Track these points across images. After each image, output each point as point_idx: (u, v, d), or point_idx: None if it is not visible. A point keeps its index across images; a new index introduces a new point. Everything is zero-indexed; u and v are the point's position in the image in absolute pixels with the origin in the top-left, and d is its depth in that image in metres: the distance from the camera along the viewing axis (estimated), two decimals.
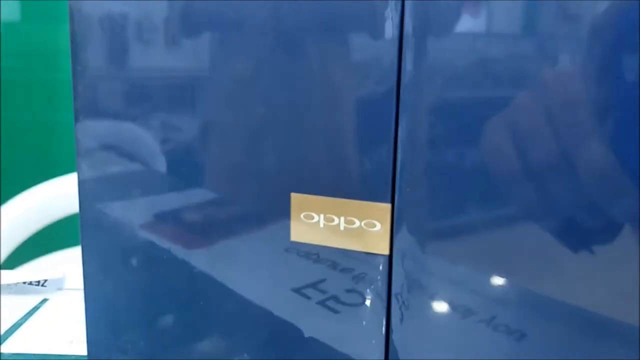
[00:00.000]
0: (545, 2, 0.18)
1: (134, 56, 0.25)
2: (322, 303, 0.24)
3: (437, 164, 0.20)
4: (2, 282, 0.53)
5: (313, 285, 0.24)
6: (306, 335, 0.24)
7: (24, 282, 0.53)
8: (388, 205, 0.21)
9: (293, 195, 0.23)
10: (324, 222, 0.22)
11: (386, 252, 0.22)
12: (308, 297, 0.24)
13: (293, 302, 0.24)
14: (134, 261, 0.27)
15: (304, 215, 0.22)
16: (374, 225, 0.22)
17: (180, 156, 0.25)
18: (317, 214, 0.22)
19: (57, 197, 0.95)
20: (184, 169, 0.25)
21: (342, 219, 0.22)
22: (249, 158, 0.23)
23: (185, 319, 0.26)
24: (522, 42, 0.19)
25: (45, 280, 0.52)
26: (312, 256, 0.23)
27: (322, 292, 0.23)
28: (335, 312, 0.23)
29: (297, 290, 0.24)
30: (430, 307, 0.22)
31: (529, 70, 0.19)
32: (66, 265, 0.68)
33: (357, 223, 0.22)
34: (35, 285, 0.52)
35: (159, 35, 0.24)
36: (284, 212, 0.23)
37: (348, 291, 0.23)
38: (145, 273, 0.26)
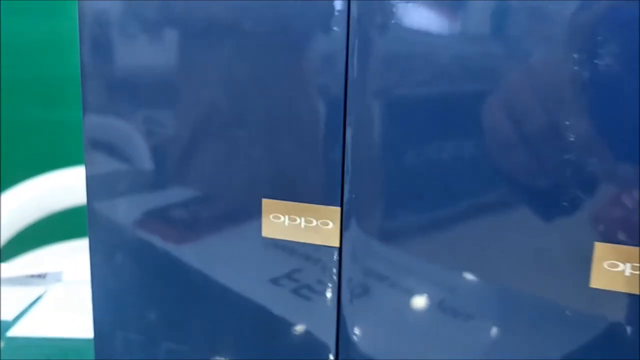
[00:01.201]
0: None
1: (137, 54, 0.30)
2: (294, 291, 0.29)
3: (375, 175, 0.26)
4: (6, 276, 0.57)
5: (287, 276, 0.29)
6: (277, 315, 0.30)
7: (26, 275, 0.58)
8: (338, 208, 0.27)
9: (264, 200, 0.28)
10: (288, 222, 0.28)
11: (337, 244, 0.27)
12: (282, 285, 0.30)
13: (270, 290, 0.30)
14: (132, 252, 0.32)
15: (272, 216, 0.28)
16: (328, 224, 0.27)
17: (171, 157, 0.30)
18: (283, 215, 0.28)
19: (49, 191, 0.99)
20: (174, 170, 0.30)
21: (303, 219, 0.28)
22: (227, 166, 0.29)
23: (178, 304, 0.32)
24: (471, 40, 0.24)
25: (46, 274, 0.57)
26: (287, 250, 0.29)
27: (295, 281, 0.29)
28: (303, 297, 0.29)
29: (274, 281, 0.30)
30: (377, 290, 0.27)
31: (477, 67, 0.24)
32: (61, 259, 0.73)
33: (315, 222, 0.28)
34: (37, 277, 0.57)
35: (155, 34, 0.29)
36: (257, 213, 0.29)
37: (313, 279, 0.29)
38: (141, 263, 0.32)
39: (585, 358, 0.24)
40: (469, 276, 0.26)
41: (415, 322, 0.27)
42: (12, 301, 0.52)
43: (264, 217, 0.28)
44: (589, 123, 0.23)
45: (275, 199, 0.28)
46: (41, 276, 0.57)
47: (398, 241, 0.27)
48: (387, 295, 0.27)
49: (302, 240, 0.28)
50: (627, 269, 0.23)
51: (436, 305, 0.27)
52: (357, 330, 0.28)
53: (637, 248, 0.23)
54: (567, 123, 0.23)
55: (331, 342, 0.29)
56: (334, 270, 0.28)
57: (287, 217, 0.28)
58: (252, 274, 0.30)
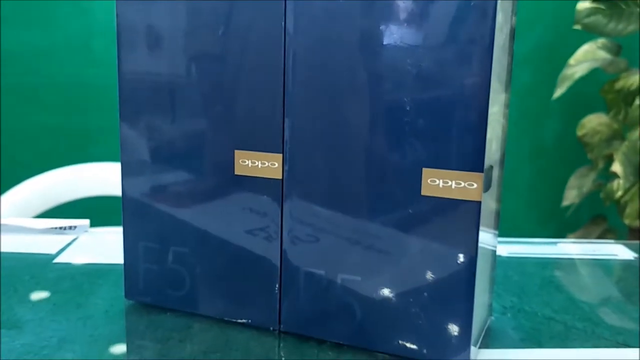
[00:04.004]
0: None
1: (162, 63, 0.47)
2: (266, 238, 0.46)
3: (300, 138, 0.43)
4: (38, 227, 0.74)
5: (261, 229, 0.46)
6: (252, 251, 0.47)
7: (57, 227, 0.74)
8: (280, 154, 0.44)
9: (236, 151, 0.45)
10: (251, 164, 0.45)
11: (280, 177, 0.45)
12: (255, 235, 0.47)
13: (246, 236, 0.47)
14: (154, 210, 0.49)
15: (241, 161, 0.45)
16: (275, 164, 0.45)
17: (174, 149, 0.47)
18: (247, 160, 0.45)
19: (51, 187, 1.14)
20: (178, 157, 0.47)
21: (259, 162, 0.45)
22: (216, 136, 0.46)
23: (184, 247, 0.49)
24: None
25: (75, 226, 0.74)
26: (260, 213, 0.46)
27: (262, 230, 0.46)
28: (265, 237, 0.46)
29: (249, 231, 0.47)
30: (304, 224, 0.44)
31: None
32: None
33: (267, 163, 0.45)
34: (67, 229, 0.74)
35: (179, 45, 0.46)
36: (232, 160, 0.46)
37: (271, 229, 0.46)
38: (160, 219, 0.49)
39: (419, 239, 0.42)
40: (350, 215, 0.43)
41: (332, 247, 0.44)
42: (52, 243, 0.68)
43: (235, 161, 0.46)
44: (419, 100, 0.40)
45: (243, 150, 0.45)
46: (71, 228, 0.73)
47: (314, 187, 0.44)
48: (314, 231, 0.44)
49: (259, 176, 0.45)
50: (440, 183, 0.40)
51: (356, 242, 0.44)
52: (295, 255, 0.45)
53: (443, 170, 0.40)
54: (405, 99, 0.40)
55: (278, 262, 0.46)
56: (279, 219, 0.45)
57: (249, 160, 0.45)
58: (236, 226, 0.47)
